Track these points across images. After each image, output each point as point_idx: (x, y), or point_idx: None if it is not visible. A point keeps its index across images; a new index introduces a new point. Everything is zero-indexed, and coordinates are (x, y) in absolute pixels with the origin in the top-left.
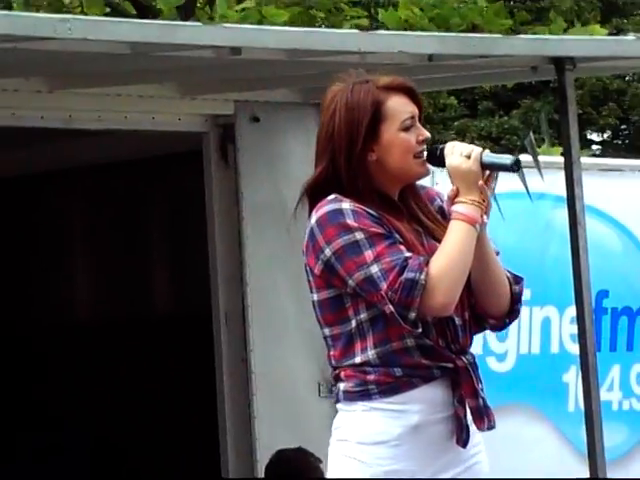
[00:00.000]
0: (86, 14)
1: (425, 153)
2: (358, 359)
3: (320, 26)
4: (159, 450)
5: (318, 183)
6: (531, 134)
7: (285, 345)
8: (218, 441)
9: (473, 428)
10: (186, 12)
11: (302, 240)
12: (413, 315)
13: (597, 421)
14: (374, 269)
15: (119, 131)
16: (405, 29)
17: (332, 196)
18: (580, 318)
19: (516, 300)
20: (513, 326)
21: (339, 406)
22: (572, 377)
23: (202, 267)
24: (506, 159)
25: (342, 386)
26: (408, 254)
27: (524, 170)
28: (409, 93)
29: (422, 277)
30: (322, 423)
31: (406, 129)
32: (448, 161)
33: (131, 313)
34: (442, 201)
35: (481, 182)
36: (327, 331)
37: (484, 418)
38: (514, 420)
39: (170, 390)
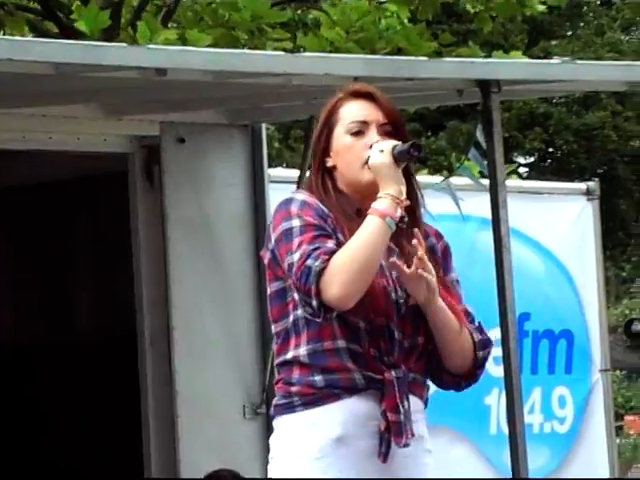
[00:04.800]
0: (5, 33)
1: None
2: (290, 355)
3: (243, 48)
4: (84, 470)
5: (308, 184)
6: (450, 181)
7: (210, 366)
8: (142, 462)
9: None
10: (110, 33)
11: (228, 263)
12: (315, 303)
13: (521, 443)
14: (296, 256)
15: (44, 152)
16: (330, 51)
17: (296, 189)
18: (505, 340)
19: (478, 365)
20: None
21: (273, 424)
22: (494, 400)
23: (127, 288)
24: (406, 145)
25: (273, 401)
26: (327, 245)
27: (454, 191)
28: (373, 100)
29: (317, 264)
30: (247, 445)
31: (353, 133)
32: (370, 160)
33: (54, 335)
34: (437, 241)
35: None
36: (273, 328)
37: (402, 434)
38: (436, 442)
39: (94, 411)
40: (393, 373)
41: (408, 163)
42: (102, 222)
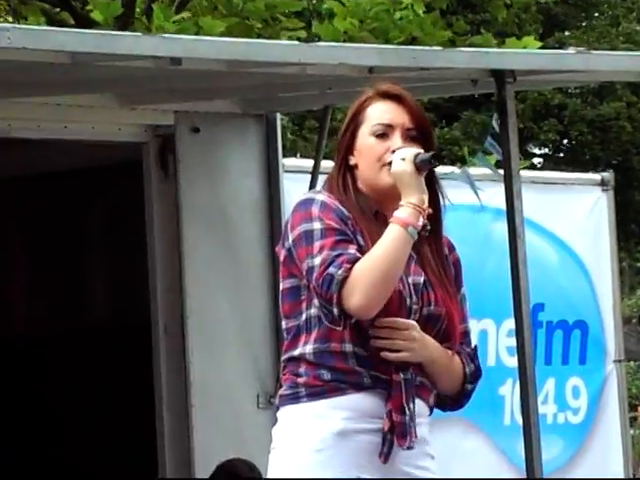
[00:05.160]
0: (19, 21)
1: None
2: (297, 352)
3: (257, 37)
4: (98, 460)
5: (328, 183)
6: (467, 169)
7: (224, 356)
8: (157, 451)
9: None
10: (124, 22)
11: (242, 252)
12: (335, 311)
13: (535, 434)
14: (317, 260)
15: (59, 141)
16: (344, 41)
17: (316, 189)
18: (519, 331)
19: (465, 395)
20: None
21: (277, 414)
22: (508, 390)
23: (142, 277)
24: (428, 155)
25: (279, 391)
26: (349, 251)
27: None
28: (400, 103)
29: (340, 273)
30: (260, 434)
31: (377, 135)
32: (392, 167)
33: (69, 324)
34: (449, 252)
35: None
36: (284, 324)
37: (406, 436)
38: (450, 433)
39: (109, 401)
40: (401, 375)
41: (433, 170)
42: (116, 211)
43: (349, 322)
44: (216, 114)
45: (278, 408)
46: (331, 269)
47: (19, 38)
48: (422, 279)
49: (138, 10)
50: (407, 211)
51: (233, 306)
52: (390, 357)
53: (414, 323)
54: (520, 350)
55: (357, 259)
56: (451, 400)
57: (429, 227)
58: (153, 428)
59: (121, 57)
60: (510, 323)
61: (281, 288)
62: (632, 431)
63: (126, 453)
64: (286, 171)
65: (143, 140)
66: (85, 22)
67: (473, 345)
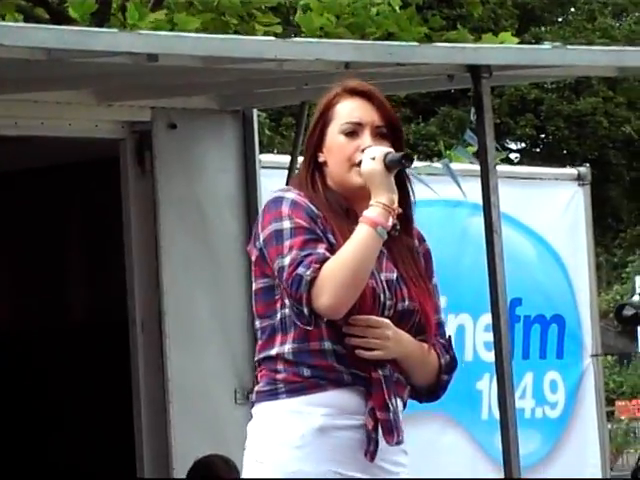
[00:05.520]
0: None
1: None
2: (274, 351)
3: (233, 33)
4: (75, 457)
5: (297, 179)
6: (448, 162)
7: (201, 352)
8: (134, 448)
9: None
10: (100, 19)
11: (220, 248)
12: (306, 311)
13: (512, 428)
14: (286, 260)
15: (35, 137)
16: (321, 36)
17: (286, 187)
18: (496, 326)
19: (441, 386)
20: None
21: (252, 410)
22: (485, 385)
23: (119, 274)
24: (398, 155)
25: (256, 388)
26: (317, 251)
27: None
28: (370, 101)
29: (308, 273)
30: (238, 430)
31: (347, 134)
32: (362, 167)
33: (47, 322)
34: (419, 243)
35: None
36: (257, 323)
37: (393, 432)
38: (428, 427)
39: (86, 398)
40: (380, 372)
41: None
42: (94, 208)
43: (320, 321)
44: (193, 110)
45: (253, 404)
46: (300, 269)
47: None
48: (395, 275)
49: (115, 6)
50: (377, 211)
51: (211, 302)
52: (364, 355)
53: (387, 321)
54: (497, 345)
55: (326, 259)
56: (427, 391)
57: (399, 227)
58: (131, 424)
59: (98, 53)
60: (487, 318)
61: (254, 288)
62: (609, 425)
63: (105, 448)
64: (263, 167)
65: (120, 137)
66: (61, 18)
67: (447, 336)
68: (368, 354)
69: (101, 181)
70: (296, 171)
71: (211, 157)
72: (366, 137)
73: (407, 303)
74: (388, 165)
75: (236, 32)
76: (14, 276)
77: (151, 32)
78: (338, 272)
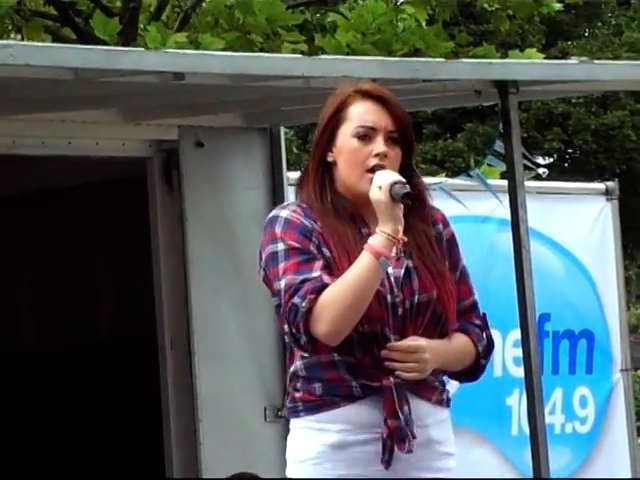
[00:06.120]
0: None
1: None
2: (292, 368)
3: (259, 51)
4: (103, 475)
5: (301, 177)
6: (478, 172)
7: (231, 370)
8: (164, 466)
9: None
10: (127, 38)
11: (247, 266)
12: (304, 339)
13: (542, 443)
14: (282, 284)
15: (63, 157)
16: (347, 53)
17: (284, 203)
18: (525, 341)
19: (479, 370)
20: None
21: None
22: (515, 400)
23: (148, 292)
24: (402, 190)
25: (286, 404)
26: (314, 274)
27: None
28: (384, 105)
29: (304, 304)
30: (268, 448)
31: (360, 137)
32: (370, 193)
33: (76, 339)
34: (444, 227)
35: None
36: (286, 338)
37: (404, 440)
38: (457, 443)
39: (116, 415)
40: (391, 379)
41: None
42: (122, 227)
43: (317, 348)
44: (220, 128)
45: (288, 420)
46: (296, 299)
47: (22, 54)
48: (402, 271)
49: (141, 26)
50: (381, 241)
51: (239, 320)
52: (404, 377)
53: (423, 344)
54: (526, 360)
55: (323, 286)
56: (466, 374)
57: (402, 252)
58: (161, 442)
59: (124, 72)
60: (516, 333)
61: (273, 305)
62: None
63: (135, 466)
64: (290, 184)
65: (147, 155)
66: (88, 38)
67: (482, 314)
68: (408, 376)
69: (129, 200)
70: None
71: (239, 175)
72: (379, 142)
73: (418, 296)
74: (394, 197)
75: (262, 50)
76: (41, 294)
77: (178, 51)
78: (338, 300)
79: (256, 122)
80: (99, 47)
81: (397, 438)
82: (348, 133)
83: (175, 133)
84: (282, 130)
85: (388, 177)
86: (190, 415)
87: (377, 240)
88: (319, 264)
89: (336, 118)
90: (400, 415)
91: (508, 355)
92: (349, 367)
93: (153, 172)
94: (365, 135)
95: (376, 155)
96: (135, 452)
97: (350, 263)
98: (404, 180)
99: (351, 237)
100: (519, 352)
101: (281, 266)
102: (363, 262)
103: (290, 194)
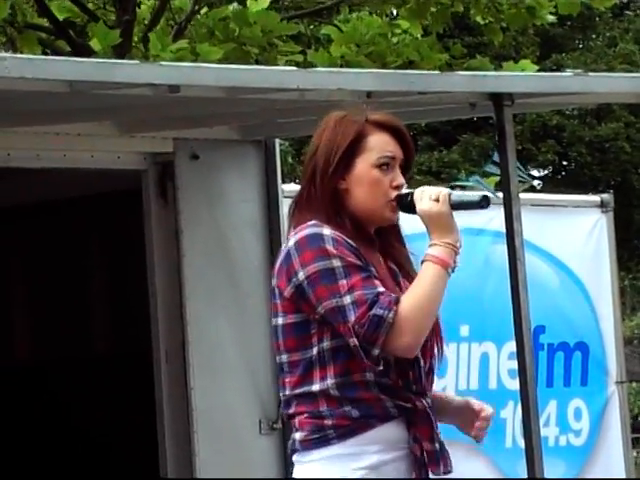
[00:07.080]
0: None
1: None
2: (316, 387)
3: (255, 62)
4: None
5: (300, 201)
6: (478, 177)
7: (226, 382)
8: (159, 478)
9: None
10: (121, 51)
11: (243, 278)
12: (377, 352)
13: (537, 457)
14: (347, 300)
15: (58, 169)
16: (341, 65)
17: (312, 221)
18: (520, 353)
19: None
20: (452, 362)
21: (295, 458)
22: (510, 413)
23: (143, 305)
24: (474, 196)
25: (297, 436)
26: (381, 289)
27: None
28: (398, 136)
29: (390, 315)
30: (263, 460)
31: (381, 167)
32: (419, 207)
33: (70, 353)
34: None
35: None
36: (285, 357)
37: (439, 463)
38: (451, 456)
39: (110, 427)
40: (424, 402)
41: (407, 173)
42: (116, 239)
43: (380, 360)
44: (215, 141)
45: (297, 451)
46: (378, 310)
47: (17, 67)
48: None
49: (135, 38)
50: (446, 252)
51: (234, 332)
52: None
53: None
54: (521, 373)
55: (398, 299)
56: None
57: (458, 265)
58: (156, 454)
59: (119, 85)
60: (511, 346)
61: (282, 322)
62: (634, 452)
63: (130, 478)
64: (285, 197)
65: (142, 168)
66: (82, 50)
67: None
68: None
69: (123, 212)
70: None
71: (233, 187)
72: (397, 172)
73: None
74: (455, 206)
75: (257, 62)
76: (36, 307)
77: (172, 63)
78: (418, 313)
79: (251, 134)
80: (94, 60)
81: (433, 461)
82: (369, 163)
83: (170, 145)
84: (277, 142)
85: (431, 189)
86: (185, 427)
87: (442, 252)
88: (378, 282)
89: (352, 148)
90: (436, 438)
91: (503, 367)
92: (382, 387)
93: (148, 185)
94: (386, 165)
95: (396, 187)
96: (131, 464)
97: (393, 282)
98: (449, 190)
99: (376, 261)
100: (514, 364)
101: (343, 282)
102: (434, 274)
103: (285, 206)
